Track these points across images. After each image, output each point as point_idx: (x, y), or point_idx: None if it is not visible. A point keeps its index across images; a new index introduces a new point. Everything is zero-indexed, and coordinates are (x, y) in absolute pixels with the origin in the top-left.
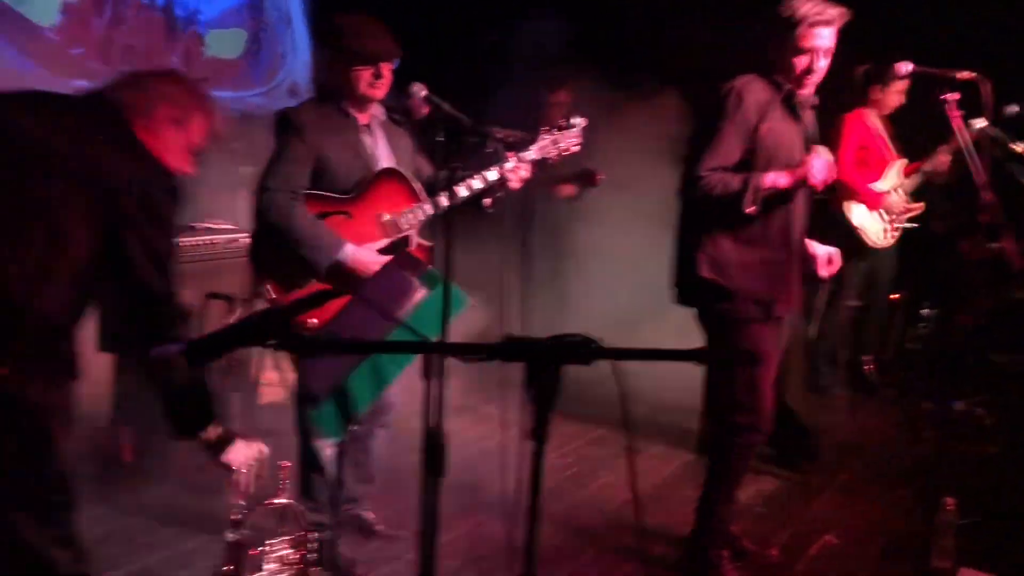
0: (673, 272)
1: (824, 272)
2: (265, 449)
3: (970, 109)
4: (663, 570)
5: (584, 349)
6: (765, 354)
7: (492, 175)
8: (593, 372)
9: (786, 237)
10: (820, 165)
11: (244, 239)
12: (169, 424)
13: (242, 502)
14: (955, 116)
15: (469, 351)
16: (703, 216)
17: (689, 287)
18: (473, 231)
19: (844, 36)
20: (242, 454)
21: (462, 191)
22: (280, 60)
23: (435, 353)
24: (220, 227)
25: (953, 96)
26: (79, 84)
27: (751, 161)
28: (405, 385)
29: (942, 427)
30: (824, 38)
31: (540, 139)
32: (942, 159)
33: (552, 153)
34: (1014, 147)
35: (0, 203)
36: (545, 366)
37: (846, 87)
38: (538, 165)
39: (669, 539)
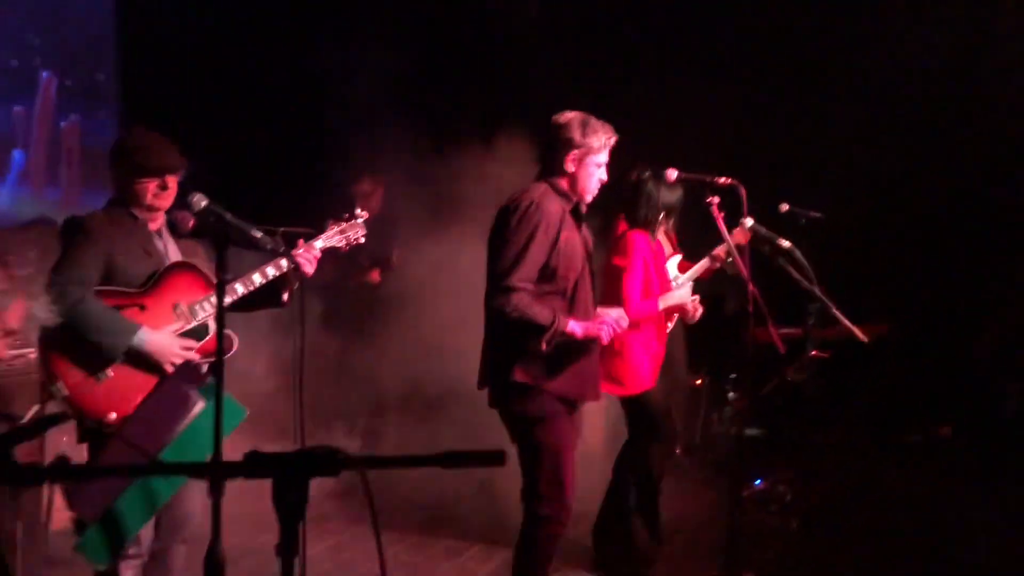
0: (483, 372)
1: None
2: None
3: (741, 210)
4: None
5: (330, 460)
6: (568, 446)
7: (283, 262)
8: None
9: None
10: (613, 323)
11: (28, 354)
12: None
13: None
14: (718, 217)
15: (215, 471)
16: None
17: (499, 388)
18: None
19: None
20: None
21: (256, 277)
22: None
23: (178, 475)
24: None
25: (715, 199)
26: None
27: (548, 267)
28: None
29: (744, 506)
30: (606, 155)
31: (327, 230)
32: (719, 253)
33: (340, 243)
34: (780, 243)
35: None
36: (292, 480)
37: (617, 191)
38: (327, 255)
39: None
